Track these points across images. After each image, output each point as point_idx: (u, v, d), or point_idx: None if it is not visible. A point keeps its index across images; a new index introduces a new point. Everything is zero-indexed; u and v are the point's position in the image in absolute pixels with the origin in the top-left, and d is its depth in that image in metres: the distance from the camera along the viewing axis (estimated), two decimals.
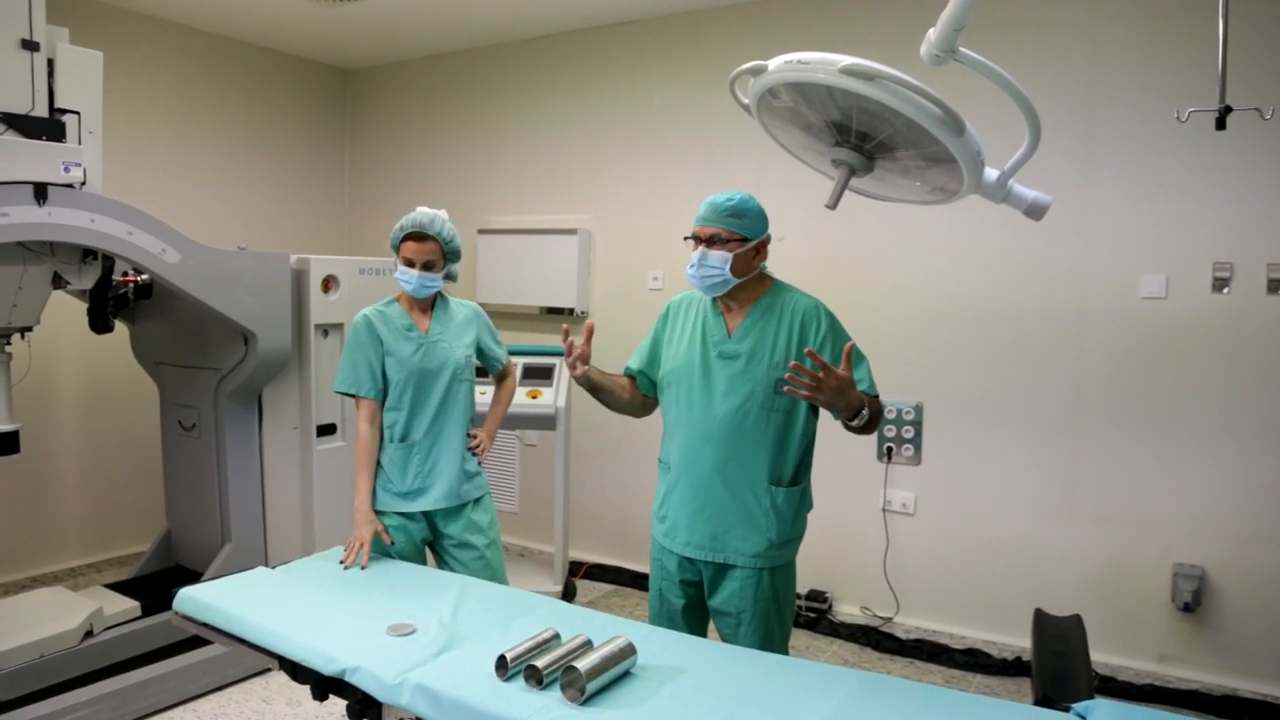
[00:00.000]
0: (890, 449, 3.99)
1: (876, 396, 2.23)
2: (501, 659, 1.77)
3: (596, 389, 2.37)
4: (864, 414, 2.10)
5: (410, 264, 2.64)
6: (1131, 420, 3.56)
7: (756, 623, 2.26)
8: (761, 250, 2.27)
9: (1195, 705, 3.30)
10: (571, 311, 4.87)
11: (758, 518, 2.24)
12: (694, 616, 2.39)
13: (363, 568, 2.49)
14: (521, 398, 4.11)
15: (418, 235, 2.64)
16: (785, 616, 2.33)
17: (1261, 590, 3.36)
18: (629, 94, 4.74)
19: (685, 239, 2.30)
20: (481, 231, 5.12)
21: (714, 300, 2.35)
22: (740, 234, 2.22)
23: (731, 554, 2.25)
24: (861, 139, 2.19)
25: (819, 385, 1.98)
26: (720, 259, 2.21)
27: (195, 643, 3.16)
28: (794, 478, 2.28)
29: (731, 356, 2.26)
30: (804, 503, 2.33)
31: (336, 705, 1.94)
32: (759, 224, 2.26)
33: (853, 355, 2.17)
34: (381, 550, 2.61)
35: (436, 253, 2.65)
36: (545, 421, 4.19)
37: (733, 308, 2.32)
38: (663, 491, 2.38)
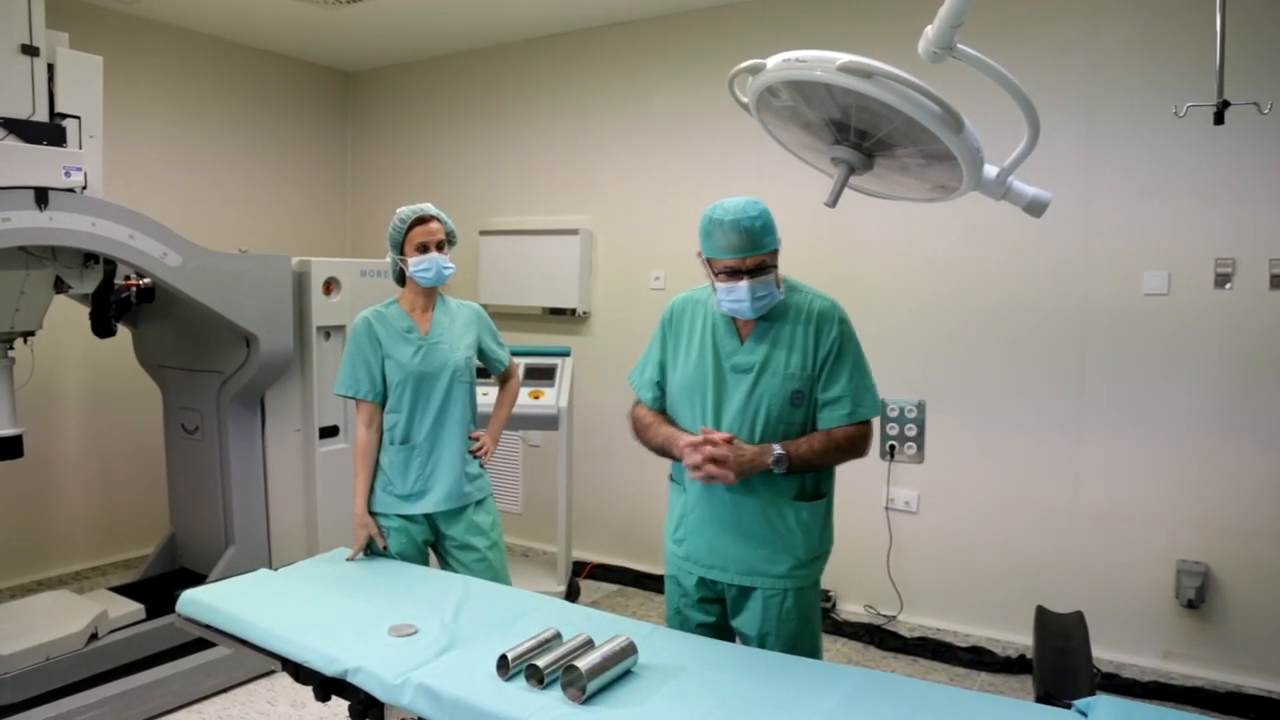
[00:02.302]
0: (893, 447, 3.99)
1: (861, 423, 2.10)
2: (503, 659, 1.78)
3: None
4: (783, 462, 2.01)
5: (424, 249, 2.64)
6: (1134, 417, 3.56)
7: (782, 645, 2.13)
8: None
9: (1200, 702, 3.29)
10: (574, 312, 4.88)
11: (783, 536, 2.11)
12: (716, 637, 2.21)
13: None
14: (524, 398, 4.11)
15: (425, 218, 2.67)
16: (814, 635, 2.20)
17: (1266, 586, 3.35)
18: (629, 94, 4.74)
19: (717, 274, 2.07)
20: (483, 233, 5.13)
21: None
22: (774, 248, 2.06)
23: (756, 576, 2.12)
24: (861, 137, 2.18)
25: (726, 464, 1.94)
26: (768, 284, 2.05)
27: (200, 645, 3.17)
28: (817, 490, 2.15)
29: (744, 370, 2.11)
30: (829, 515, 2.20)
31: (340, 706, 1.95)
32: (777, 231, 2.08)
33: (841, 373, 2.08)
34: (381, 551, 2.64)
35: (443, 233, 2.69)
36: (548, 422, 4.19)
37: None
38: (679, 512, 2.24)
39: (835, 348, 2.09)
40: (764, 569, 2.12)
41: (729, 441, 1.99)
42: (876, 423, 2.22)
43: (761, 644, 2.14)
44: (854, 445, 2.11)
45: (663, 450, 2.18)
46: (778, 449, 2.02)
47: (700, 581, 2.21)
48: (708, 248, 2.08)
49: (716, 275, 2.08)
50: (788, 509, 2.10)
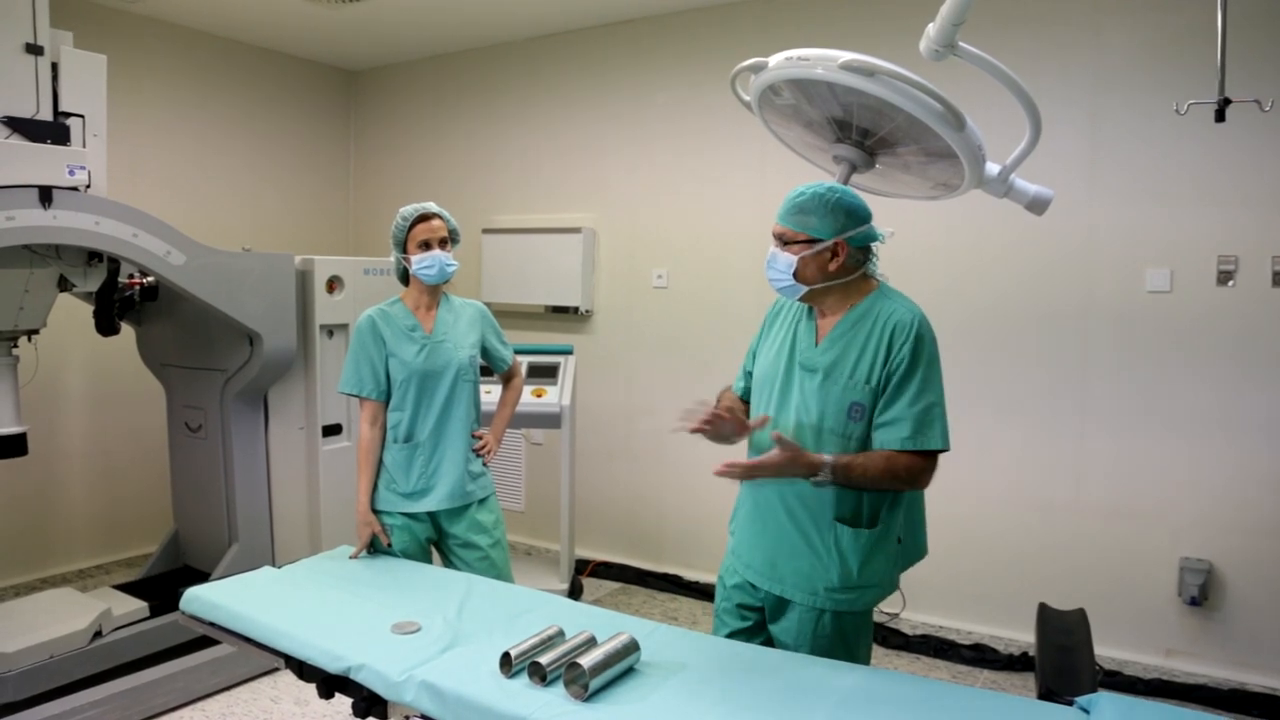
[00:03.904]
0: None
1: (925, 453, 1.92)
2: (505, 656, 1.78)
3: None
4: (827, 476, 1.85)
5: (427, 246, 2.64)
6: (1137, 414, 3.55)
7: None
8: (840, 252, 1.93)
9: (1203, 699, 3.29)
10: (576, 310, 4.88)
11: (820, 555, 1.96)
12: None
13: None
14: (527, 396, 4.11)
15: (427, 215, 2.67)
16: (855, 660, 2.02)
17: (1269, 584, 3.34)
18: (632, 92, 4.74)
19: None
20: (486, 231, 5.13)
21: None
22: (807, 234, 1.93)
23: (789, 588, 2.00)
24: (863, 135, 2.19)
25: (751, 469, 1.83)
26: (785, 262, 1.95)
27: (203, 643, 3.18)
28: (872, 518, 1.97)
29: (811, 369, 1.99)
30: (882, 548, 1.99)
31: (343, 704, 1.95)
32: (833, 222, 1.92)
33: (905, 391, 1.89)
34: (384, 549, 2.65)
35: (445, 230, 2.70)
36: (550, 420, 4.19)
37: (825, 313, 2.03)
38: (735, 504, 2.20)
39: (903, 362, 1.90)
40: (799, 583, 1.99)
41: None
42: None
43: None
44: (911, 477, 1.94)
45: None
46: (829, 461, 1.86)
47: (741, 583, 2.13)
48: None
49: None
50: (828, 529, 1.95)
